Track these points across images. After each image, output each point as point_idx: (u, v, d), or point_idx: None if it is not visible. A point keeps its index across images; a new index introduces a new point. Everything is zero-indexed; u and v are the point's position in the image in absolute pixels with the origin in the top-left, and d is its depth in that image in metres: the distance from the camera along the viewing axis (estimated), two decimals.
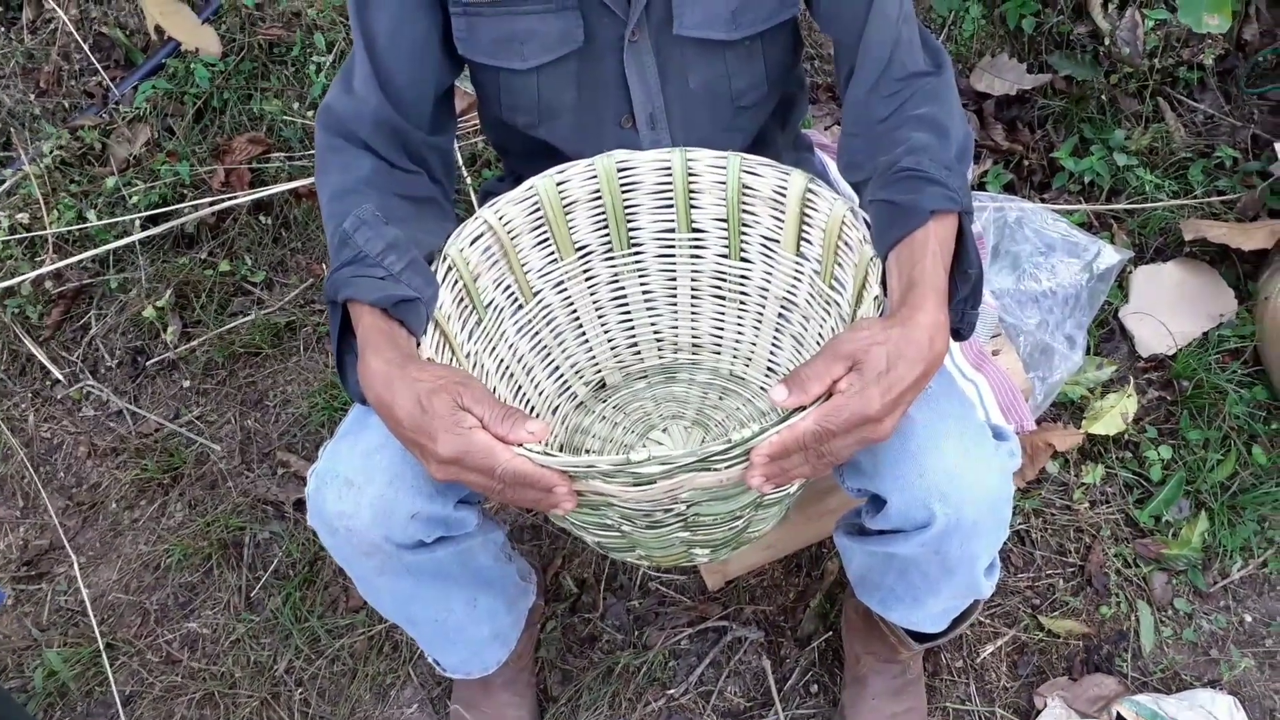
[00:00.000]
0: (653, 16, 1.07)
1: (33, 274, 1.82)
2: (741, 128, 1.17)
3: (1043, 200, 1.82)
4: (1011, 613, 1.52)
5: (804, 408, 0.82)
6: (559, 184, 1.13)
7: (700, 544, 1.02)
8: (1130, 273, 1.75)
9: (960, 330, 0.96)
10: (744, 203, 1.14)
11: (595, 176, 1.14)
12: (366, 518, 1.00)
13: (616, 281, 1.22)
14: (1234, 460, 1.59)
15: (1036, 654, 1.48)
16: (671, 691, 1.50)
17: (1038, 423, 1.62)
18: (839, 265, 1.07)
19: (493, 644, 1.31)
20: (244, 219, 1.88)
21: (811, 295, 1.14)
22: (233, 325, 1.85)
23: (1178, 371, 1.67)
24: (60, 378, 1.85)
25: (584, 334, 1.23)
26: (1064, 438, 1.60)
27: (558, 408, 1.22)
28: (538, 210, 1.13)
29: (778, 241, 1.14)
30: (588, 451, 1.20)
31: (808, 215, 1.09)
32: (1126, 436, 1.63)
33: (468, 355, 1.08)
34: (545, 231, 1.15)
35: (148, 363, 1.85)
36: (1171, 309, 1.71)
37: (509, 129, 1.18)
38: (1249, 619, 1.50)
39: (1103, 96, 1.85)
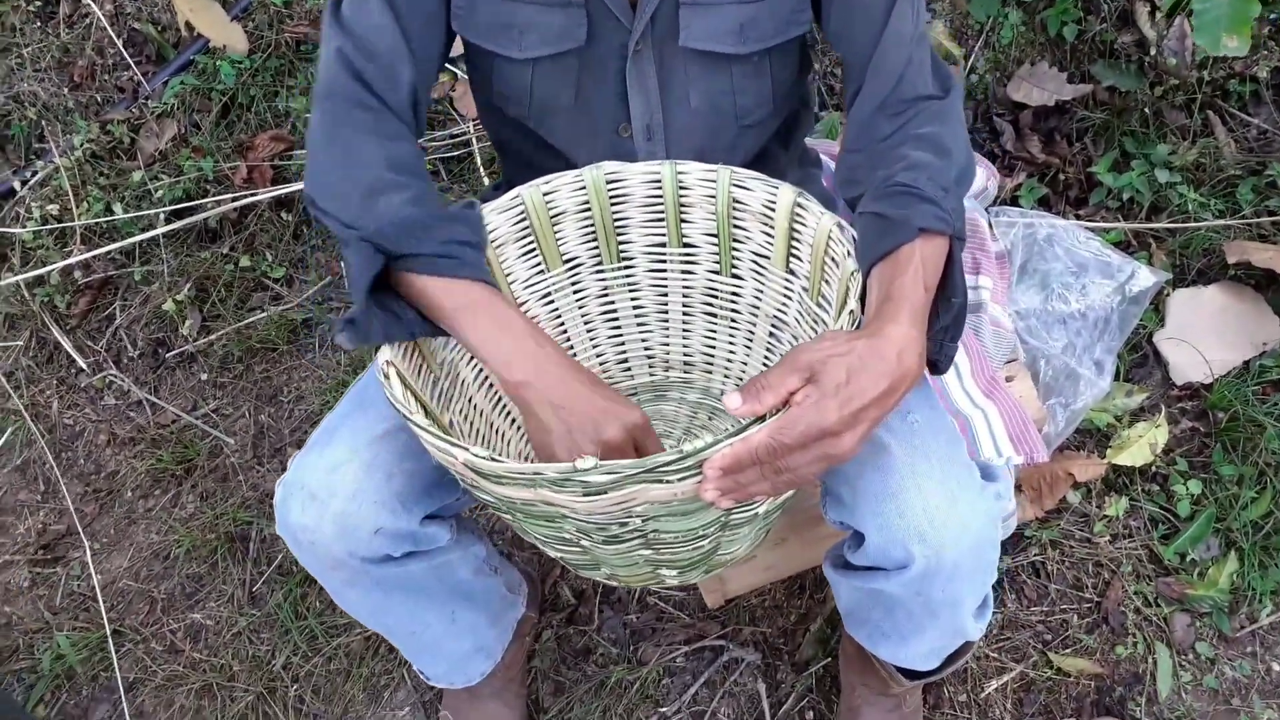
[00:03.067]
0: (658, 27, 1.03)
1: (61, 264, 1.86)
2: (742, 146, 1.13)
3: (1078, 217, 1.74)
4: (1020, 648, 1.46)
5: (763, 419, 0.78)
6: (546, 194, 1.10)
7: (666, 564, 0.99)
8: (1168, 295, 1.67)
9: (938, 363, 0.91)
10: (734, 218, 1.10)
11: (584, 188, 1.11)
12: (330, 532, 0.99)
13: (606, 296, 1.19)
14: (1269, 499, 1.50)
15: (1044, 692, 1.42)
16: (664, 710, 1.47)
17: (1060, 450, 1.56)
18: (825, 282, 1.03)
19: (475, 656, 1.29)
20: (265, 215, 1.89)
21: (801, 313, 1.10)
22: (251, 320, 1.86)
23: (1213, 402, 1.58)
24: (84, 366, 1.88)
25: (572, 348, 1.21)
26: (1085, 467, 1.53)
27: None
28: (524, 220, 1.10)
29: (768, 258, 1.10)
30: None
31: (796, 230, 1.05)
32: (1155, 468, 1.55)
33: (441, 363, 1.06)
34: (532, 242, 1.12)
35: (168, 354, 1.88)
36: (1210, 335, 1.63)
37: (503, 119, 1.15)
38: (1277, 667, 1.42)
39: (1146, 109, 1.76)
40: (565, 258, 1.15)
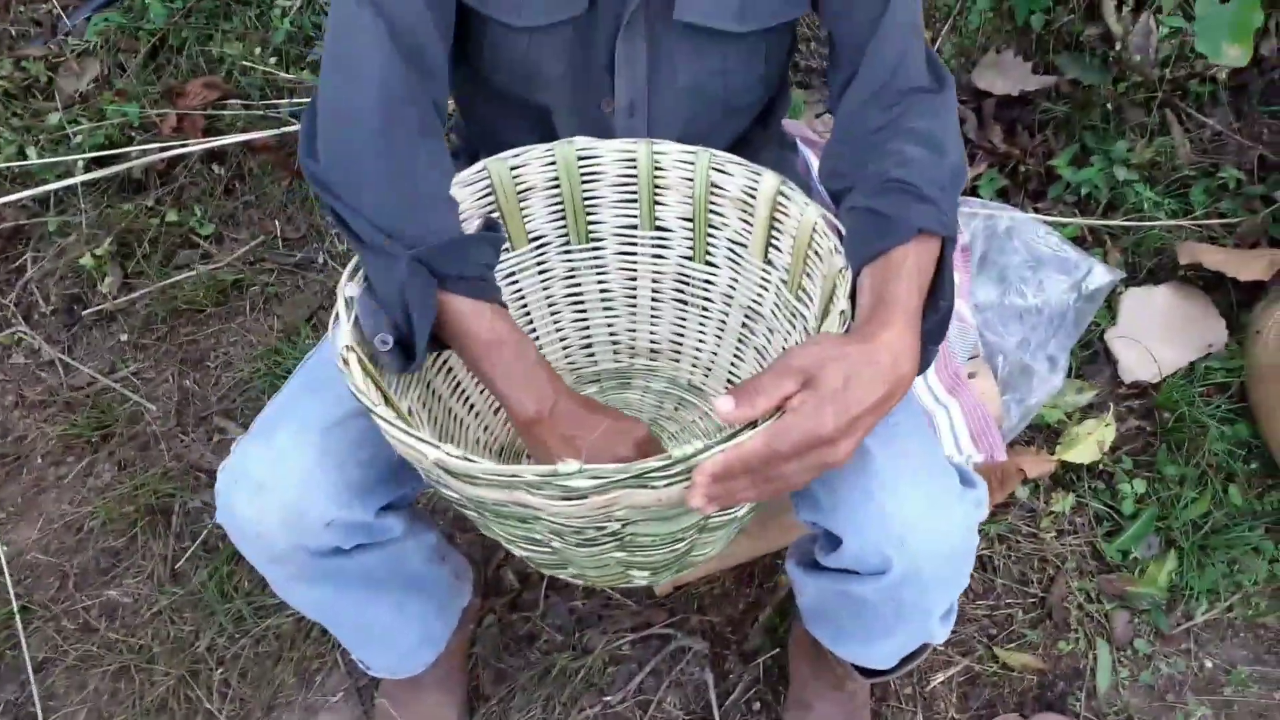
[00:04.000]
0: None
1: None
2: (726, 129, 1.08)
3: (1036, 210, 1.74)
4: (967, 641, 1.46)
5: (754, 425, 0.75)
6: (514, 169, 1.04)
7: (639, 565, 0.95)
8: (1120, 294, 1.68)
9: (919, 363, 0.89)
10: (712, 203, 1.05)
11: (554, 164, 1.05)
12: (276, 524, 0.93)
13: (573, 277, 1.13)
14: (1209, 499, 1.52)
15: (989, 686, 1.42)
16: (609, 699, 1.44)
17: (1011, 445, 1.56)
18: (807, 275, 0.99)
19: (421, 647, 1.24)
20: (196, 168, 1.77)
21: (777, 306, 1.06)
22: (177, 279, 1.75)
23: (1160, 402, 1.60)
24: None
25: (534, 331, 1.15)
26: (1036, 464, 1.53)
27: (500, 408, 1.14)
28: (489, 194, 1.04)
29: (745, 246, 1.06)
30: (528, 457, 1.12)
31: (778, 220, 1.01)
32: (1101, 466, 1.57)
33: None
34: (497, 219, 1.06)
35: (84, 312, 1.76)
36: (1160, 335, 1.64)
37: (478, 85, 1.07)
38: (1209, 665, 1.44)
39: (1108, 105, 1.76)
40: (531, 236, 1.09)
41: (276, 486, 0.92)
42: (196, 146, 1.74)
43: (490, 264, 0.92)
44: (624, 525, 0.83)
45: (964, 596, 1.50)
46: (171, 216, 1.76)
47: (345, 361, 0.85)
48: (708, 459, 0.73)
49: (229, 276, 1.76)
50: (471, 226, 1.01)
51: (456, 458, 0.75)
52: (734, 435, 0.74)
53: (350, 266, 0.94)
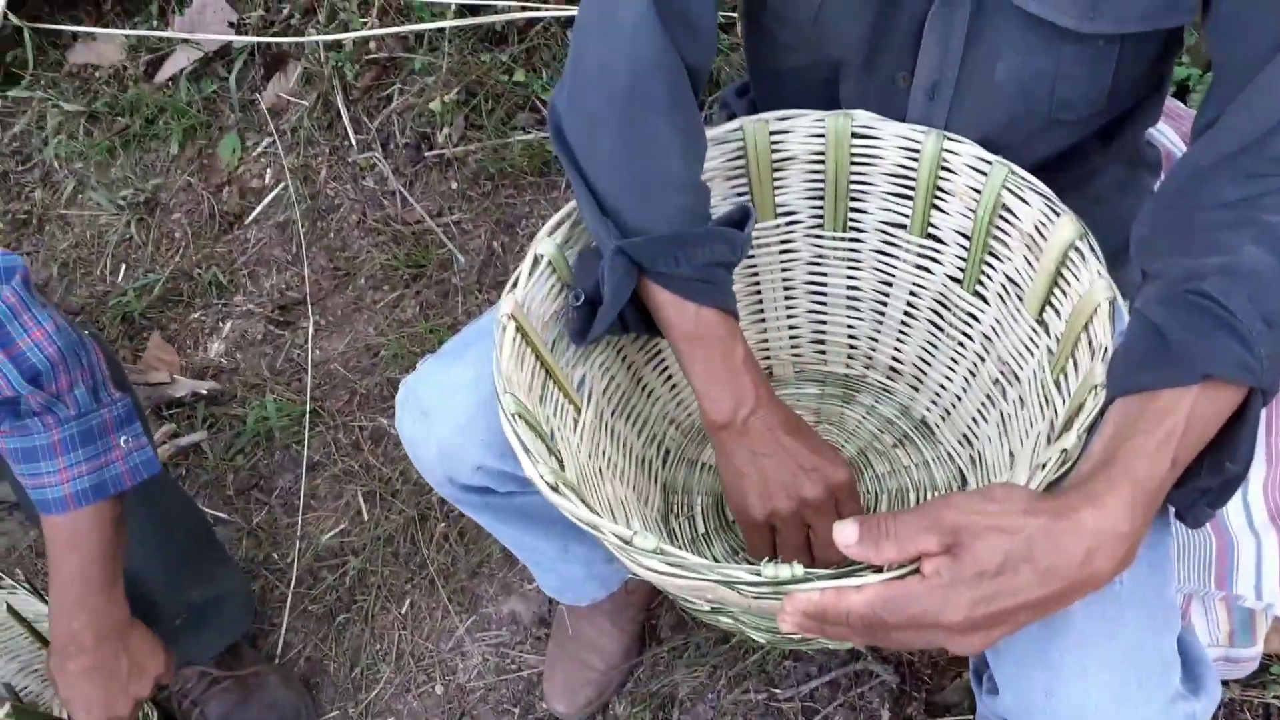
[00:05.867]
0: None
1: (355, 35, 1.85)
2: (1045, 142, 0.85)
3: None
4: None
5: (880, 570, 0.60)
6: (774, 134, 0.90)
7: (750, 629, 0.85)
8: None
9: (1186, 519, 0.67)
10: (997, 227, 0.85)
11: (822, 135, 0.90)
12: (433, 454, 0.93)
13: (818, 265, 0.98)
14: None
15: None
16: (776, 691, 1.35)
17: None
18: (1074, 360, 0.78)
19: (587, 583, 1.22)
20: (551, 31, 1.77)
21: (1034, 377, 0.85)
22: (509, 141, 1.79)
23: None
24: (354, 143, 1.91)
25: (761, 312, 1.02)
26: None
27: None
28: (739, 158, 0.92)
29: (1022, 291, 0.85)
30: None
31: (1063, 279, 0.79)
32: None
33: None
34: (743, 185, 0.93)
35: (427, 153, 1.86)
36: None
37: (765, 38, 0.94)
38: None
39: None
40: (781, 210, 0.95)
41: (438, 419, 0.91)
42: (556, 10, 1.72)
43: (719, 261, 0.81)
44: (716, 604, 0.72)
45: None
46: (519, 76, 1.78)
47: (503, 329, 0.80)
48: (802, 592, 0.60)
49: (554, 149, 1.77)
50: (721, 211, 0.90)
51: (547, 482, 0.69)
52: (844, 573, 0.60)
53: (551, 222, 0.88)
